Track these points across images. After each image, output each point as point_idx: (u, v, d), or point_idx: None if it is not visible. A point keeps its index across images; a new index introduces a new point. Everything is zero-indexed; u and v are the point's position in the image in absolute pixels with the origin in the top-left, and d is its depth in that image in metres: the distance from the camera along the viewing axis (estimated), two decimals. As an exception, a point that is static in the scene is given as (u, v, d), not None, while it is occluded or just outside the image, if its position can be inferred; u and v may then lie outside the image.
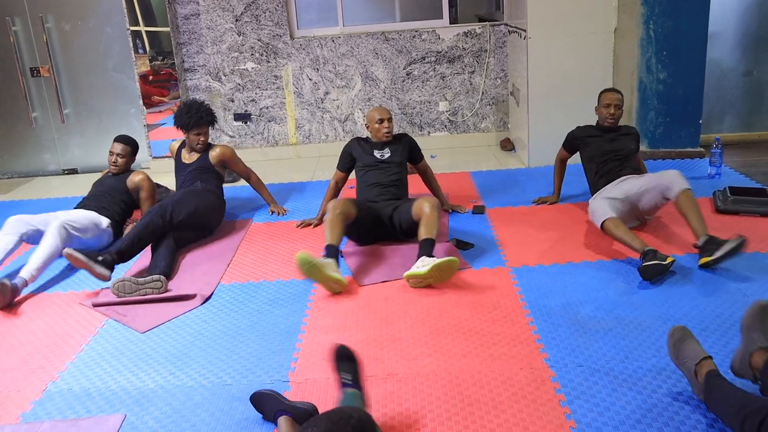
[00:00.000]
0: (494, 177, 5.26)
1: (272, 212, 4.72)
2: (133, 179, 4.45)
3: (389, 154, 4.21)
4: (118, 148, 4.48)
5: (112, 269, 3.64)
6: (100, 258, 3.60)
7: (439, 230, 3.62)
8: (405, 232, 3.90)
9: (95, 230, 4.13)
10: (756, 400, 2.05)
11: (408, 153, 4.31)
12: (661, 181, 3.72)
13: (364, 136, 4.37)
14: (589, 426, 2.25)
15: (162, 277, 3.53)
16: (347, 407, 1.47)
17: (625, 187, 3.87)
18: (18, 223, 3.90)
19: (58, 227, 3.82)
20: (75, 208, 4.29)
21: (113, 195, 4.40)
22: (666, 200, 3.72)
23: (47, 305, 3.52)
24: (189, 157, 4.56)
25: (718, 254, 3.30)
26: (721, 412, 2.17)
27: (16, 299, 3.56)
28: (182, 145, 4.65)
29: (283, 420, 2.23)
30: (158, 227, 3.90)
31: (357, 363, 2.40)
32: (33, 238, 3.92)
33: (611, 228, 3.58)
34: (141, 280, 3.50)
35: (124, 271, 3.88)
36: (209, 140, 4.62)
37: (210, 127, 4.57)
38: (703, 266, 3.36)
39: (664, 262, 3.25)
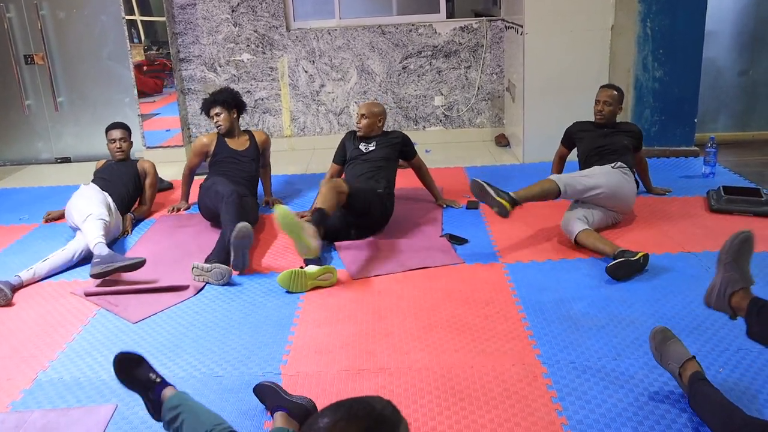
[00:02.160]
0: (489, 172, 5.26)
1: (266, 203, 4.72)
2: (143, 165, 4.52)
3: (373, 148, 4.25)
4: (119, 133, 4.49)
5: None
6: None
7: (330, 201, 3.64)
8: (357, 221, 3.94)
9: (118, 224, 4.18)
10: (741, 418, 2.03)
11: (398, 149, 4.31)
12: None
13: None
14: (581, 423, 2.26)
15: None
16: (375, 398, 1.39)
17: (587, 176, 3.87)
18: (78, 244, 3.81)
19: (97, 243, 3.65)
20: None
21: (125, 183, 4.41)
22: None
23: (38, 294, 3.50)
24: (238, 143, 4.51)
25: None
26: (705, 419, 2.17)
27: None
28: (223, 135, 4.52)
29: (278, 415, 2.23)
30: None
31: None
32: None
33: (583, 240, 3.61)
34: (207, 266, 3.50)
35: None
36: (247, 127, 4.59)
37: (227, 110, 4.45)
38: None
39: (632, 259, 3.27)
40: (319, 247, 3.39)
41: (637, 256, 3.29)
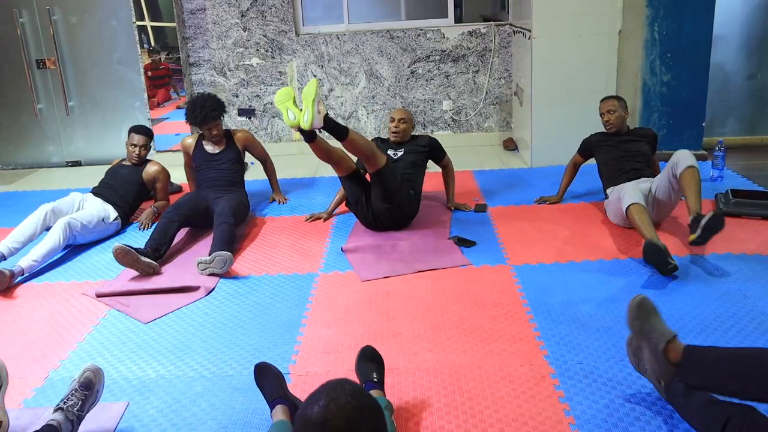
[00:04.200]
0: (497, 176, 5.27)
1: (273, 200, 4.82)
2: (149, 171, 4.56)
3: (402, 153, 4.35)
4: (141, 139, 4.55)
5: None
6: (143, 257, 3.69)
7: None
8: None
9: (101, 225, 4.22)
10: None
11: (425, 155, 4.41)
12: (672, 159, 3.75)
13: (385, 137, 4.53)
14: (588, 422, 2.26)
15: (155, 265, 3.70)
16: (339, 379, 1.57)
17: (643, 186, 3.90)
18: (49, 216, 4.03)
19: (63, 226, 3.91)
20: (90, 192, 4.45)
21: (128, 186, 4.49)
22: (676, 180, 3.70)
23: (50, 294, 3.53)
24: (214, 148, 4.56)
25: (698, 232, 3.41)
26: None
27: (12, 286, 3.62)
28: (201, 137, 4.61)
29: (280, 408, 2.24)
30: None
31: (383, 365, 2.49)
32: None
33: (635, 212, 3.58)
34: (208, 258, 3.63)
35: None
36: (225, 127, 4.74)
37: (221, 121, 4.54)
38: (692, 244, 3.46)
39: (666, 257, 3.27)
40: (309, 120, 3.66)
41: (670, 262, 3.27)
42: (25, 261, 3.71)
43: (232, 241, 3.87)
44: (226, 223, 3.91)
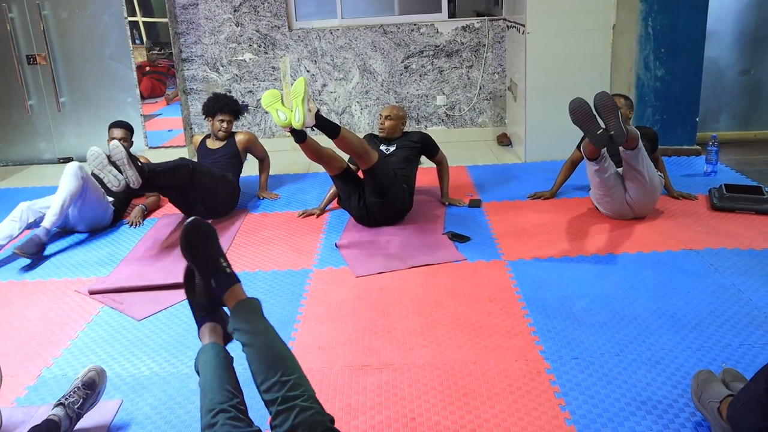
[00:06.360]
0: (491, 171, 5.27)
1: (261, 197, 4.87)
2: None
3: (394, 149, 4.36)
4: (120, 133, 4.59)
5: (143, 178, 3.85)
6: (139, 163, 3.85)
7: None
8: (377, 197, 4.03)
9: (100, 198, 4.25)
10: None
11: (418, 150, 4.42)
12: None
13: (377, 132, 4.57)
14: (584, 417, 2.26)
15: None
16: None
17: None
18: (27, 213, 4.03)
19: (75, 172, 4.01)
20: None
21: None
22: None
23: (42, 292, 3.51)
24: (214, 144, 4.74)
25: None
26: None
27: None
28: (207, 136, 4.82)
29: (208, 327, 2.20)
30: (184, 175, 4.07)
31: (217, 238, 2.20)
32: (38, 223, 4.05)
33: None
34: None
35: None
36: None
37: (234, 118, 4.76)
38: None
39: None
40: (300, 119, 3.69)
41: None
42: (47, 221, 3.90)
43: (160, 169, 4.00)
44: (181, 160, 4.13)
